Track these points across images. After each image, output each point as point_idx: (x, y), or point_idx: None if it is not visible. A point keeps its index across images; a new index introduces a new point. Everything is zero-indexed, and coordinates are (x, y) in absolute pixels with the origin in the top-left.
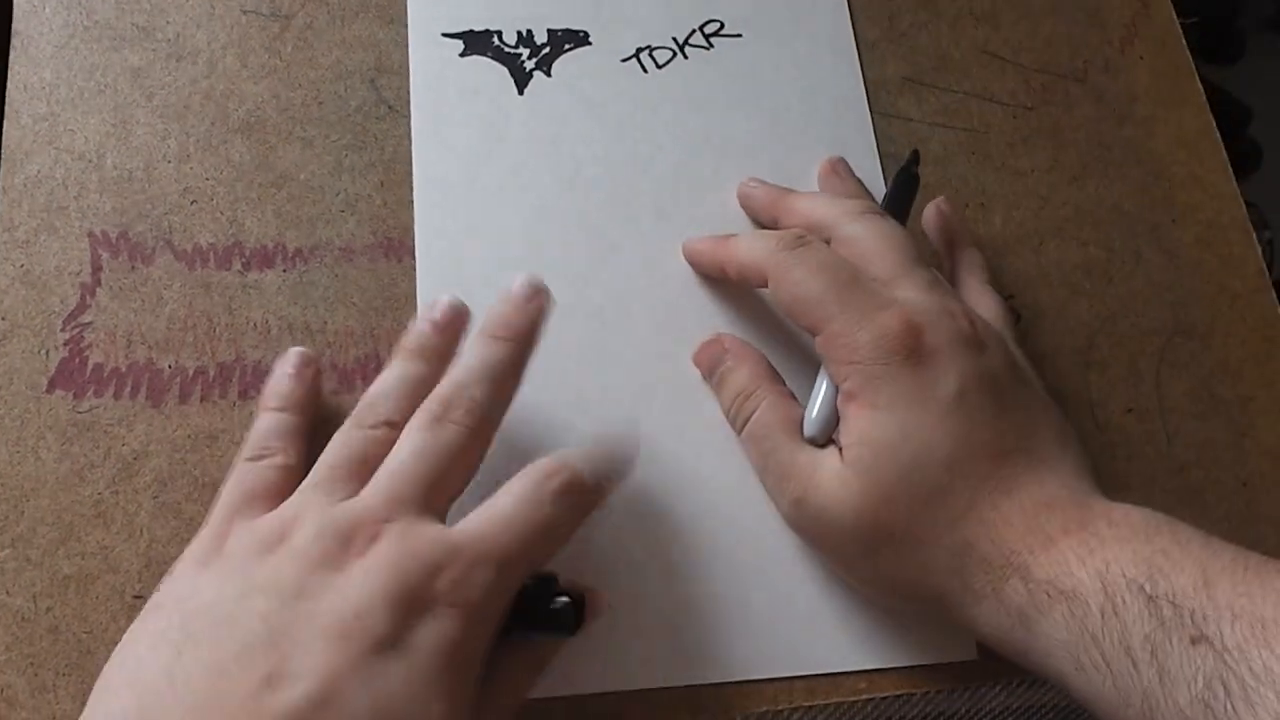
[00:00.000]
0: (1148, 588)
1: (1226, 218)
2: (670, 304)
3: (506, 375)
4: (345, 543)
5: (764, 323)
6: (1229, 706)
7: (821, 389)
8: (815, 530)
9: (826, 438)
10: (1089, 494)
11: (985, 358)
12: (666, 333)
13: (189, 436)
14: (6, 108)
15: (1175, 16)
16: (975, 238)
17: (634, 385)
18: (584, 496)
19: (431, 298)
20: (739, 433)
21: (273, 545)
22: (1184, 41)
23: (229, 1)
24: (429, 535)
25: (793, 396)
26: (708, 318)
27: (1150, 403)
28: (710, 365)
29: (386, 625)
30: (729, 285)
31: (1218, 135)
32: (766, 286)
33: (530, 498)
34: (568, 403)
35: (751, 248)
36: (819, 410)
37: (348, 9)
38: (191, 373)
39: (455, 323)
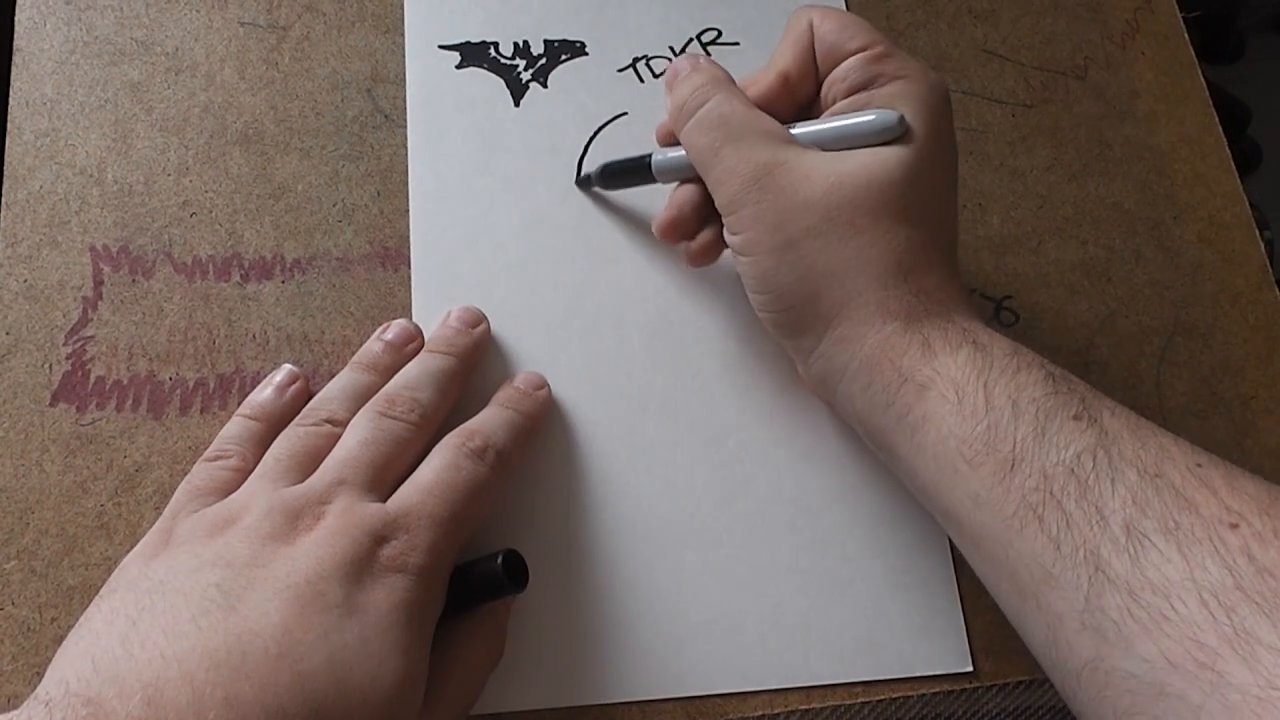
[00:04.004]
0: (1048, 367)
1: (1229, 214)
2: (664, 315)
3: (448, 382)
4: (294, 519)
5: (761, 329)
6: (1093, 477)
7: None
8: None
9: None
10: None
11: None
12: (660, 344)
13: (190, 448)
14: (9, 124)
15: (1178, 11)
16: (973, 238)
17: (627, 396)
18: (496, 454)
19: (427, 307)
20: (683, 127)
21: (222, 528)
22: (1186, 36)
23: (227, 14)
24: (370, 510)
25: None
26: (702, 328)
27: (1151, 402)
28: (672, 76)
29: (339, 591)
30: (725, 295)
31: (1220, 131)
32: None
33: (448, 463)
34: (562, 410)
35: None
36: None
37: (344, 19)
38: (192, 384)
39: (404, 341)
